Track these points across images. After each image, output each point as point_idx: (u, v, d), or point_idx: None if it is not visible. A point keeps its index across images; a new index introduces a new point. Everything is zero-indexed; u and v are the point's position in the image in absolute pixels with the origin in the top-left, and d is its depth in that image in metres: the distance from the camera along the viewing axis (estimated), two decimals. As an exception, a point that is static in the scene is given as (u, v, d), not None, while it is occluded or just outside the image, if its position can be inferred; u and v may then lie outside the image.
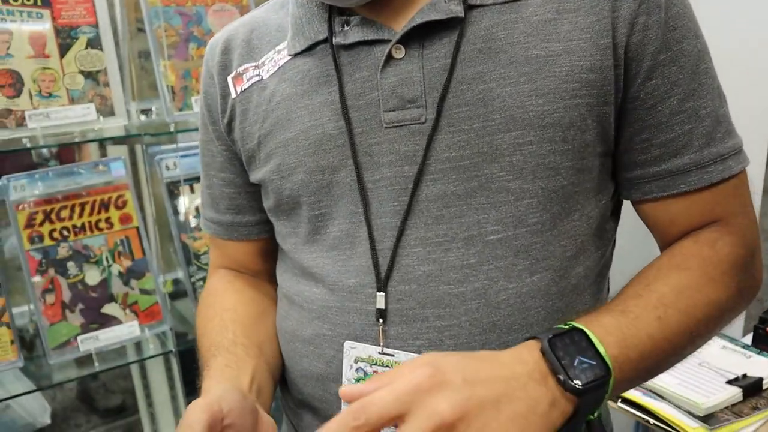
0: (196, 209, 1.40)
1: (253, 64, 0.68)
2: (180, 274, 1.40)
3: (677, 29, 0.58)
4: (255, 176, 0.70)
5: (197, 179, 1.39)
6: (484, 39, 0.58)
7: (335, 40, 0.62)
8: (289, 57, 0.66)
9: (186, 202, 1.38)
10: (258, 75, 0.67)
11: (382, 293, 0.61)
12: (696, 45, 0.60)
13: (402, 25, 0.59)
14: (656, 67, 0.58)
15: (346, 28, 0.62)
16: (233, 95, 0.69)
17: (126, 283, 1.23)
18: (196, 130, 1.30)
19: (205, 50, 0.74)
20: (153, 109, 1.42)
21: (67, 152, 1.54)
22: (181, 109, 1.25)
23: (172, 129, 1.23)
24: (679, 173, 0.60)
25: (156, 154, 1.36)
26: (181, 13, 1.26)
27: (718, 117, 0.61)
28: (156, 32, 1.23)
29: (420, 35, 0.59)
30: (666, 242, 0.65)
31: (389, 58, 0.59)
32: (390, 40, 0.59)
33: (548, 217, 0.59)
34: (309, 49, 0.64)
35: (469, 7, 0.58)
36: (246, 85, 0.68)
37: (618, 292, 0.61)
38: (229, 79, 0.69)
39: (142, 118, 1.34)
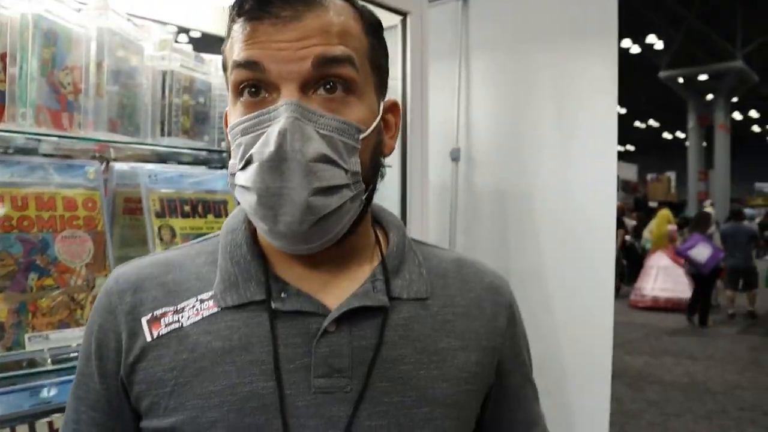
0: (15, 457, 1.19)
1: (172, 308, 0.70)
2: None
3: (522, 341, 0.83)
4: (154, 424, 0.68)
5: (17, 420, 1.20)
6: (405, 328, 0.71)
7: (274, 305, 0.68)
8: (218, 309, 0.69)
9: (2, 449, 1.17)
10: (178, 321, 0.69)
11: None
12: (529, 355, 0.84)
13: (332, 301, 0.69)
14: (516, 364, 0.80)
15: (283, 295, 0.69)
16: (148, 339, 0.69)
17: None
18: (26, 374, 1.16)
19: (107, 283, 0.74)
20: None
21: None
22: (9, 348, 1.10)
23: (-6, 375, 1.07)
24: None
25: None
26: (23, 240, 1.15)
27: (538, 399, 0.85)
28: (-10, 261, 1.10)
29: (351, 314, 0.68)
30: None
31: (324, 330, 0.67)
32: (324, 315, 0.68)
33: None
34: (241, 306, 0.69)
35: (391, 298, 0.71)
36: (164, 330, 0.69)
37: None
38: (144, 320, 0.70)
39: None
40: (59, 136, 1.16)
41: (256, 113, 0.64)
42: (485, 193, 2.33)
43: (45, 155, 1.23)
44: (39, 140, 1.19)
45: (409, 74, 1.91)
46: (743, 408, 4.59)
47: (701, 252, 7.58)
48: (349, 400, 0.66)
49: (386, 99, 0.73)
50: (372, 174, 0.70)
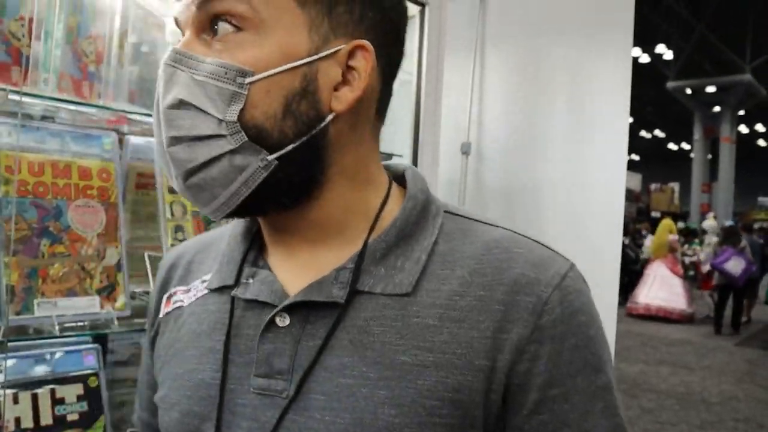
0: (16, 420, 1.19)
1: (184, 288, 0.70)
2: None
3: (573, 363, 0.54)
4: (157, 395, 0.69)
5: (24, 386, 1.21)
6: (359, 330, 0.57)
7: (235, 291, 0.63)
8: (207, 291, 0.67)
9: (8, 415, 1.17)
10: (182, 300, 0.69)
11: None
12: (594, 381, 0.55)
13: (298, 289, 0.59)
14: (545, 401, 0.54)
15: (250, 281, 0.63)
16: (160, 315, 0.71)
17: None
18: (33, 338, 1.16)
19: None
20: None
21: None
22: (18, 313, 1.10)
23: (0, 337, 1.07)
24: None
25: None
26: (37, 205, 1.15)
27: None
28: (3, 224, 1.11)
29: (308, 307, 0.58)
30: None
31: (271, 323, 0.59)
32: (278, 306, 0.59)
33: None
34: (220, 290, 0.65)
35: (357, 292, 0.58)
36: (170, 309, 0.70)
37: None
38: (165, 297, 0.72)
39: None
40: (79, 104, 1.17)
41: None
42: (494, 188, 2.33)
43: (63, 124, 1.23)
44: (57, 108, 1.19)
45: (425, 66, 1.91)
46: (738, 419, 4.59)
47: (737, 265, 7.87)
48: (282, 407, 0.57)
49: (353, 42, 0.58)
50: (292, 129, 0.56)
